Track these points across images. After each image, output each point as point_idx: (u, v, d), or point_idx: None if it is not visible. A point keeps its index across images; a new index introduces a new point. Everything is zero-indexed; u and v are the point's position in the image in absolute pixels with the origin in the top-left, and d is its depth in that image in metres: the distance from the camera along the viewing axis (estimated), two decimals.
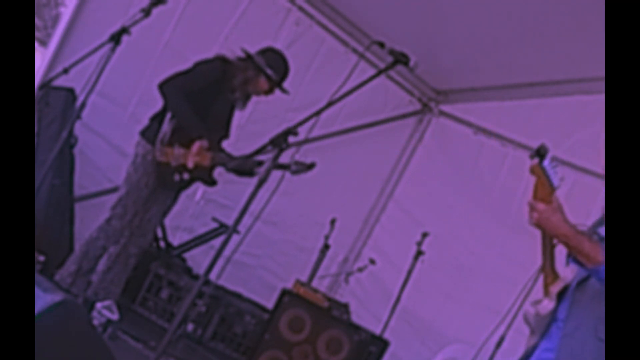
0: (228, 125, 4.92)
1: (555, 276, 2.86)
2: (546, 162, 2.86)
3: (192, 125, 4.59)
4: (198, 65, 4.69)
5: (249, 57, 4.80)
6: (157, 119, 4.66)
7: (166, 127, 4.59)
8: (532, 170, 2.90)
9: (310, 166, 4.19)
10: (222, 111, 4.82)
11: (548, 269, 2.88)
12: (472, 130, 6.78)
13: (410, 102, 7.14)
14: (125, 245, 4.76)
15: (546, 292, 2.82)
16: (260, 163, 4.62)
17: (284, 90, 4.91)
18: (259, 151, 4.04)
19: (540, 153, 2.83)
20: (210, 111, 4.70)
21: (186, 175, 4.68)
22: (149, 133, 4.65)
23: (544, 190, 2.90)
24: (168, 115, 4.61)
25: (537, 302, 2.82)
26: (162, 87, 4.57)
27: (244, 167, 4.66)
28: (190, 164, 4.63)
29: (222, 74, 4.70)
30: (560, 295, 2.76)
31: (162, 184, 4.69)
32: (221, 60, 4.74)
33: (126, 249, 4.76)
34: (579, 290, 2.71)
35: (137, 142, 4.70)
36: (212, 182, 4.87)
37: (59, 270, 4.66)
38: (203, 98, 4.63)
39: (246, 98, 4.91)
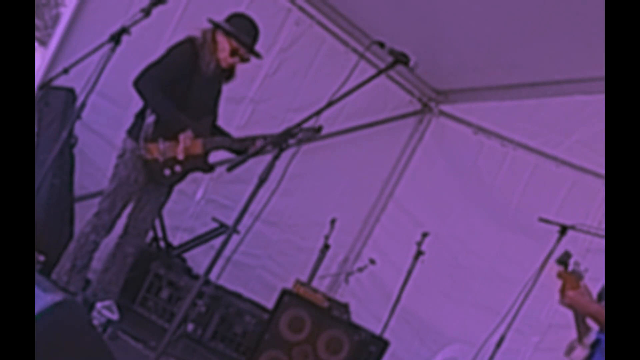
0: (215, 108, 4.81)
1: (587, 329, 3.31)
2: (570, 267, 3.29)
3: (173, 119, 4.51)
4: (170, 50, 4.60)
5: (211, 24, 4.66)
6: (140, 115, 4.62)
7: (147, 122, 4.54)
8: (560, 276, 3.31)
9: (319, 129, 3.98)
10: (203, 93, 4.68)
11: (581, 326, 3.33)
12: (472, 130, 6.78)
13: (410, 102, 7.14)
14: (121, 245, 4.75)
15: (580, 342, 3.30)
16: (254, 139, 4.56)
17: (256, 54, 4.71)
18: (259, 151, 4.03)
19: (564, 260, 3.28)
20: (190, 96, 4.58)
21: (178, 168, 4.61)
22: (134, 131, 4.60)
23: (571, 282, 3.29)
24: (148, 110, 4.56)
25: (571, 350, 3.31)
26: (137, 83, 4.47)
27: (239, 146, 4.61)
28: (180, 156, 4.58)
29: (192, 54, 4.58)
30: (594, 346, 3.16)
31: (153, 180, 4.65)
32: (190, 41, 4.61)
33: (122, 248, 4.74)
34: None
35: (124, 139, 4.65)
36: (209, 169, 4.81)
37: (55, 268, 4.65)
38: (179, 86, 4.52)
39: (227, 75, 4.76)
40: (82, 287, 4.71)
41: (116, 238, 5.10)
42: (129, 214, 4.75)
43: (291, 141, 3.61)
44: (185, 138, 4.53)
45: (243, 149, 4.63)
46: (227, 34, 4.61)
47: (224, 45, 4.63)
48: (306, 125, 3.65)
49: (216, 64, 4.65)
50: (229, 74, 4.79)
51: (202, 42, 4.60)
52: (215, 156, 5.16)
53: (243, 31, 4.64)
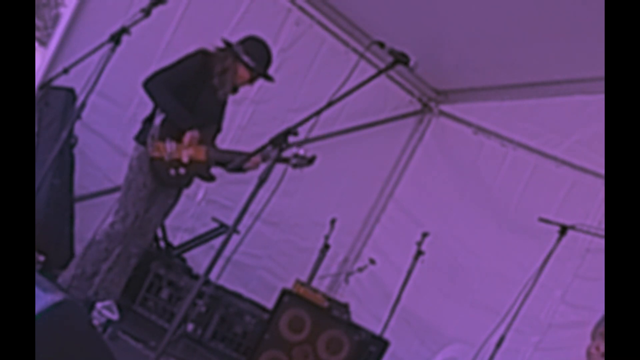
0: (220, 120, 4.88)
1: None
2: None
3: (181, 117, 4.56)
4: (181, 60, 4.67)
5: (228, 46, 4.77)
6: (148, 121, 4.65)
7: (156, 122, 4.57)
8: None
9: (311, 160, 4.11)
10: (210, 105, 4.76)
11: None
12: (472, 130, 6.79)
13: (410, 102, 7.14)
14: (126, 246, 4.75)
15: None
16: (249, 155, 4.60)
17: (268, 78, 4.88)
18: (259, 151, 4.03)
19: None
20: (197, 105, 4.65)
21: (182, 170, 4.64)
22: (142, 136, 4.63)
23: None
24: (157, 110, 4.59)
25: None
26: (147, 84, 4.53)
27: (238, 163, 4.65)
28: (184, 159, 4.61)
29: (203, 67, 4.67)
30: None
31: (159, 181, 4.66)
32: (202, 53, 4.70)
33: (127, 249, 4.75)
34: None
35: (134, 147, 4.69)
36: (210, 178, 4.84)
37: (62, 272, 4.65)
38: (188, 92, 4.59)
39: (233, 89, 4.87)
40: (87, 291, 4.71)
41: None
42: (135, 215, 4.75)
43: (285, 154, 3.65)
44: (191, 136, 4.57)
45: (235, 168, 4.65)
46: (248, 67, 4.76)
47: (244, 74, 4.81)
48: (300, 151, 3.74)
49: (230, 83, 4.80)
50: (235, 90, 4.91)
51: (222, 69, 4.73)
52: None
53: (258, 58, 4.79)
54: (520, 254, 6.03)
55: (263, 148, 4.01)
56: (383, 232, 7.16)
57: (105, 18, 5.20)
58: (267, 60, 4.84)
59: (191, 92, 4.61)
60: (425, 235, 5.76)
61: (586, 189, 5.90)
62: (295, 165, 4.02)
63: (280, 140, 3.56)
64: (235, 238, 3.51)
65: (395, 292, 5.79)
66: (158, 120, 4.56)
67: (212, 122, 4.79)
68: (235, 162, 4.44)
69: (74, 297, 4.46)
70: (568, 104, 6.02)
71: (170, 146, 4.57)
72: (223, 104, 4.89)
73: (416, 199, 7.02)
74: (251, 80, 4.85)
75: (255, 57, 4.77)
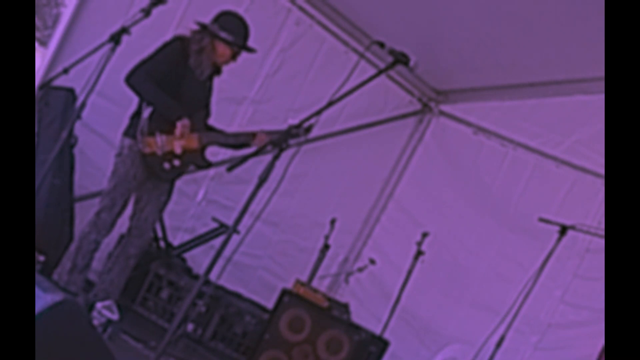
0: (207, 104, 4.85)
1: None
2: None
3: (168, 107, 4.54)
4: (159, 49, 4.64)
5: (203, 27, 4.71)
6: (136, 116, 4.64)
7: (143, 117, 4.56)
8: None
9: (308, 129, 4.00)
10: (194, 90, 4.72)
11: None
12: (472, 130, 6.78)
13: (410, 102, 7.13)
14: (124, 246, 4.75)
15: None
16: (250, 134, 4.60)
17: (250, 50, 4.80)
18: (259, 151, 4.03)
19: None
20: (181, 93, 4.62)
21: (177, 162, 4.63)
22: (130, 130, 4.62)
23: None
24: (143, 105, 4.57)
25: None
26: (129, 79, 4.51)
27: (237, 141, 4.65)
28: (177, 150, 4.59)
29: (181, 53, 4.64)
30: None
31: (153, 175, 4.65)
32: (179, 39, 4.67)
33: (125, 249, 4.75)
34: None
35: (121, 139, 4.67)
36: (206, 165, 4.83)
37: (56, 269, 4.65)
38: (171, 81, 4.56)
39: (217, 71, 4.81)
40: (83, 287, 4.72)
41: (117, 237, 5.09)
42: (131, 216, 4.75)
43: (291, 141, 3.63)
44: (182, 125, 4.54)
45: (239, 144, 4.66)
46: (228, 43, 4.66)
47: (225, 51, 4.71)
48: (293, 121, 3.68)
49: (212, 67, 4.69)
50: (217, 69, 4.83)
51: (198, 48, 4.63)
52: (216, 157, 5.16)
53: (236, 32, 4.70)
54: (520, 254, 6.03)
55: (263, 148, 4.02)
56: (383, 232, 7.16)
57: (105, 18, 5.20)
58: (245, 32, 4.75)
59: (174, 80, 4.59)
60: (425, 235, 5.76)
61: (586, 189, 5.91)
62: (294, 136, 3.86)
63: (280, 140, 3.56)
64: (235, 238, 3.52)
65: (395, 292, 5.80)
66: (146, 114, 4.55)
67: (200, 107, 4.75)
68: (237, 161, 4.43)
69: (72, 293, 4.47)
70: (568, 104, 6.02)
71: (160, 140, 4.56)
72: (209, 88, 4.84)
73: (416, 199, 7.02)
74: (234, 56, 4.75)
75: (232, 31, 4.69)
